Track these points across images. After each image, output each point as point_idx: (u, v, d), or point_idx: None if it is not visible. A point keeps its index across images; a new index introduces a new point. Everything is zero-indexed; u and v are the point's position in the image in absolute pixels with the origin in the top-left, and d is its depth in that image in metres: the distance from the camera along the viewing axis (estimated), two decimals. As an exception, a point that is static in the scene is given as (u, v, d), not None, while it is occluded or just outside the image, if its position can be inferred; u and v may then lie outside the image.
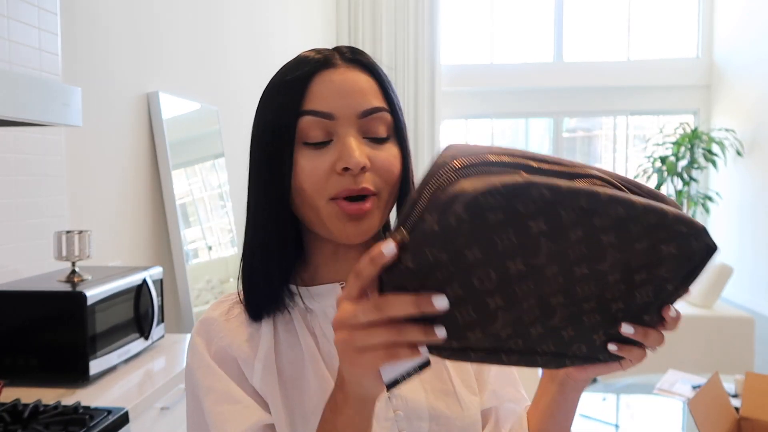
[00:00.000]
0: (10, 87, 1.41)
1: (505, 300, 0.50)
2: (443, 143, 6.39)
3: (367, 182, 0.66)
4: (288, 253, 0.71)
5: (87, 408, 1.44)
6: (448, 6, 7.64)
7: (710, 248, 0.54)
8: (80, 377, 1.63)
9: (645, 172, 7.07)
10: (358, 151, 0.65)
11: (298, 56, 0.70)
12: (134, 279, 1.90)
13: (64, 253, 1.79)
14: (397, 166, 0.69)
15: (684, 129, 6.90)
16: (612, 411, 2.95)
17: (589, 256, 0.50)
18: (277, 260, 0.70)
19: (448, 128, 7.96)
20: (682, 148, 6.83)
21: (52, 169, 2.06)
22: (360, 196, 0.66)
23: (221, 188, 3.46)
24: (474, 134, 8.30)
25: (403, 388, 0.70)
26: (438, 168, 0.48)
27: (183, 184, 2.99)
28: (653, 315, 0.56)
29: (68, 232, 1.81)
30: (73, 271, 1.78)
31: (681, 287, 0.55)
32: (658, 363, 3.66)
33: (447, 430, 0.71)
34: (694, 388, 2.74)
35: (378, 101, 0.69)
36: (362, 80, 0.69)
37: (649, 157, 7.07)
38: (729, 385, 2.59)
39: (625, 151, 8.06)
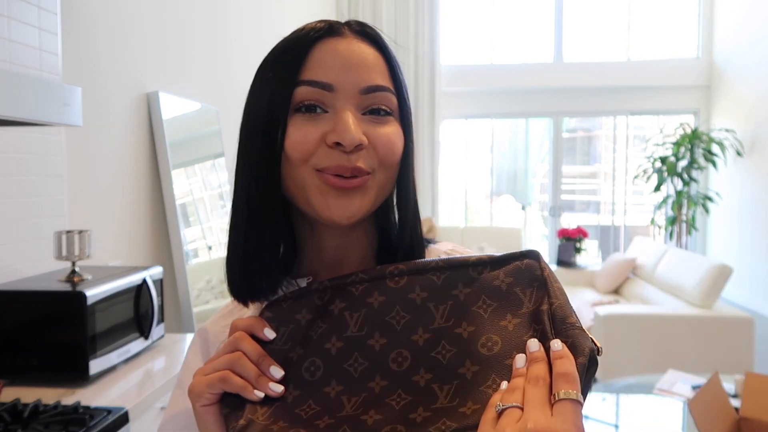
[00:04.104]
0: (10, 87, 1.41)
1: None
2: (442, 143, 6.34)
3: (362, 161, 0.60)
4: (276, 237, 0.65)
5: (87, 408, 1.44)
6: (448, 6, 7.64)
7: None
8: (80, 377, 1.63)
9: (645, 172, 7.06)
10: (354, 126, 0.59)
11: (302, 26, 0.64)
12: (134, 279, 1.90)
13: (64, 253, 1.79)
14: (398, 146, 0.63)
15: (684, 129, 6.90)
16: (612, 411, 2.95)
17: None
18: (267, 244, 0.64)
19: (448, 128, 7.96)
20: (682, 149, 6.82)
21: (52, 169, 2.06)
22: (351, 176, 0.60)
23: (221, 188, 3.46)
24: (474, 134, 8.30)
25: None
26: None
27: (183, 184, 2.99)
28: None
29: (68, 232, 1.81)
30: (73, 271, 1.78)
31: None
32: (658, 363, 3.66)
33: None
34: (694, 388, 2.74)
35: (383, 80, 0.63)
36: (369, 54, 0.62)
37: (649, 158, 7.07)
38: (729, 385, 2.59)
39: (625, 151, 8.06)
